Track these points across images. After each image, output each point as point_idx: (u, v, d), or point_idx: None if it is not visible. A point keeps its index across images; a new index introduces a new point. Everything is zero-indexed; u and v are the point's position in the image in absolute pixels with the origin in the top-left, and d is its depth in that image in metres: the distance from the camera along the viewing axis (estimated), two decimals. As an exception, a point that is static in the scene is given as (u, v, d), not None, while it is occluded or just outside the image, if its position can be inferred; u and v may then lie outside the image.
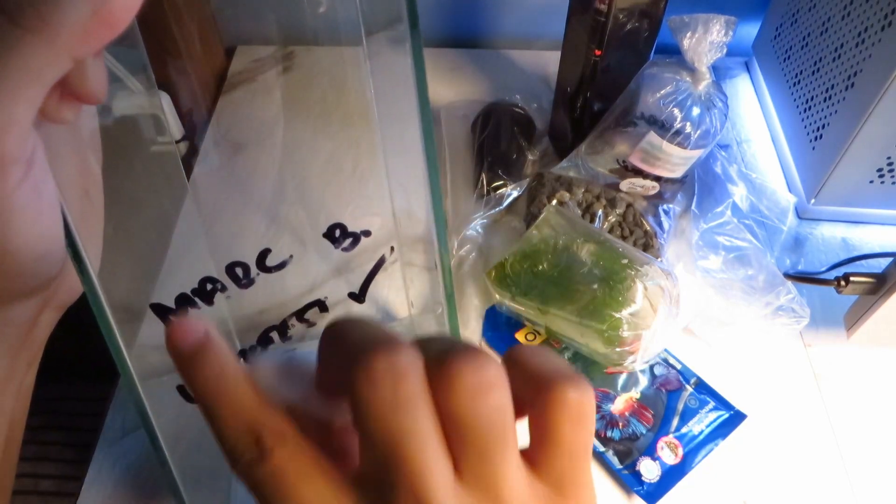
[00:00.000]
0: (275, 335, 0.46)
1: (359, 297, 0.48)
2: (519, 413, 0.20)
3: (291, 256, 0.44)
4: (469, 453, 0.19)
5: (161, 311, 0.40)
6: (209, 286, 0.41)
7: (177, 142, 0.70)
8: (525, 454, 0.21)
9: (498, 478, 0.19)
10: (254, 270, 0.43)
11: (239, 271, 0.42)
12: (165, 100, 0.68)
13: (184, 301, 0.40)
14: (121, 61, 0.33)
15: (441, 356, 0.19)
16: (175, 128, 0.70)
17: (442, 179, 0.67)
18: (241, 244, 0.44)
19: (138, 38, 0.32)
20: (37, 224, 0.25)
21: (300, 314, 0.46)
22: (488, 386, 0.19)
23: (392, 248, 0.46)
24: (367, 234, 0.44)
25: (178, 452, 0.35)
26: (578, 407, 0.20)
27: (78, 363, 0.90)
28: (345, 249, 0.44)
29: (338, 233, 0.43)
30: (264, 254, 0.43)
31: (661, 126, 0.57)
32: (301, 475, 0.19)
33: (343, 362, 0.19)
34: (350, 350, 0.19)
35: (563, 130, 0.67)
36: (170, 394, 0.38)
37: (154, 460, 0.36)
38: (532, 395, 0.20)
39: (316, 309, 0.47)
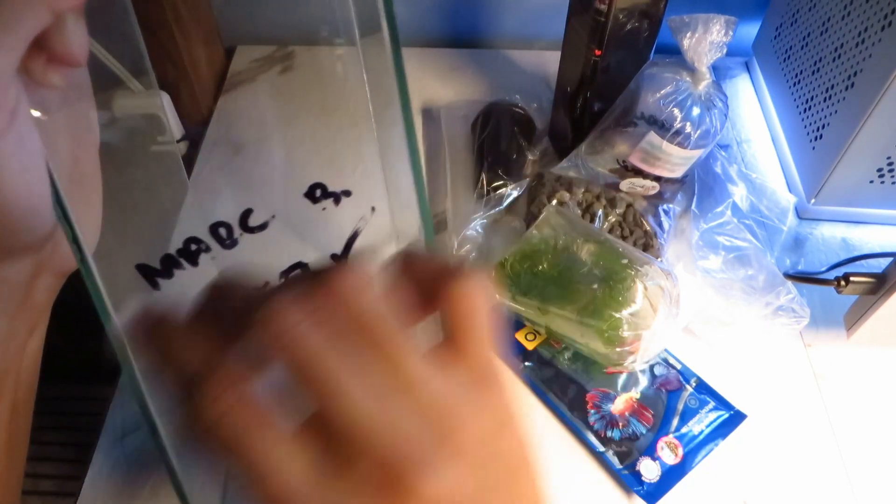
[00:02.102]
0: None
1: (341, 258, 0.48)
2: (423, 314, 0.22)
3: (273, 216, 0.44)
4: (381, 357, 0.19)
5: (147, 271, 0.40)
6: (193, 246, 0.41)
7: (177, 141, 0.70)
8: (436, 354, 0.21)
9: (421, 375, 0.20)
10: (237, 230, 0.43)
11: (223, 231, 0.42)
12: (165, 100, 0.68)
13: (169, 261, 0.40)
14: (121, 62, 0.33)
15: (316, 278, 0.20)
16: (175, 128, 0.70)
17: (442, 179, 0.67)
18: (224, 205, 0.44)
19: (139, 38, 0.32)
20: (23, 176, 0.25)
21: (284, 275, 0.46)
22: (363, 284, 0.20)
23: (373, 209, 0.46)
24: (347, 193, 0.44)
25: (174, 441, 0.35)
26: (474, 295, 0.21)
27: (78, 363, 0.90)
28: (325, 209, 0.44)
29: (318, 192, 0.43)
30: (246, 213, 0.43)
31: (661, 126, 0.57)
32: (253, 421, 0.19)
33: (239, 311, 0.20)
34: (247, 299, 0.20)
35: (563, 130, 0.67)
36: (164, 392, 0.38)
37: (154, 459, 0.36)
38: (432, 293, 0.21)
39: (299, 271, 0.47)
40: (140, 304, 0.22)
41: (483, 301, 0.21)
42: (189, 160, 0.67)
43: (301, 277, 0.21)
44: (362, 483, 0.19)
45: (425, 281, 0.22)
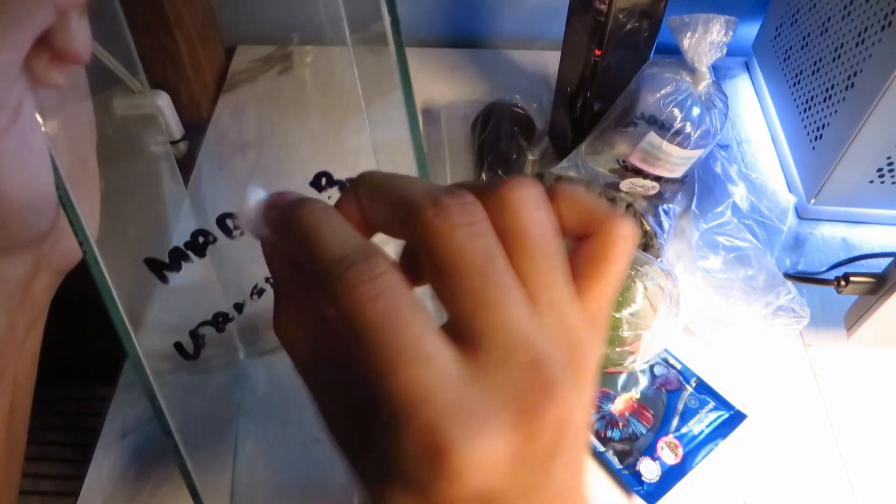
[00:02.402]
0: (267, 286, 0.47)
1: None
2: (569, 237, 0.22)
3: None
4: (537, 274, 0.19)
5: (155, 265, 0.40)
6: (201, 239, 0.41)
7: (176, 142, 0.70)
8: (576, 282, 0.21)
9: (566, 301, 0.20)
10: None
11: (229, 223, 0.42)
12: (165, 100, 0.68)
13: (176, 254, 0.41)
14: (121, 62, 0.33)
15: (492, 186, 0.20)
16: (175, 128, 0.70)
17: (442, 179, 0.67)
18: (231, 197, 0.44)
19: (139, 39, 0.32)
20: (25, 172, 0.25)
21: None
22: (540, 199, 0.20)
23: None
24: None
25: (183, 434, 0.35)
26: (630, 241, 0.21)
27: (78, 363, 0.90)
28: (330, 197, 0.44)
29: (324, 181, 0.43)
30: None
31: (661, 126, 0.57)
32: (410, 304, 0.18)
33: (398, 209, 0.20)
34: (408, 197, 0.19)
35: (563, 130, 0.67)
36: (172, 385, 0.38)
37: (153, 458, 0.37)
38: (584, 227, 0.21)
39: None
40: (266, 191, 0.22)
41: (629, 248, 0.21)
42: (189, 160, 0.67)
43: (473, 185, 0.20)
44: (508, 384, 0.18)
45: (582, 213, 0.21)
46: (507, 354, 0.18)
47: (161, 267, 0.40)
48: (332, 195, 0.44)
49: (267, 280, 0.47)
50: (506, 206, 0.19)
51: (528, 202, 0.20)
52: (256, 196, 0.22)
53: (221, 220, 0.42)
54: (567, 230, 0.21)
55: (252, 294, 0.47)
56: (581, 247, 0.21)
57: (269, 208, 0.22)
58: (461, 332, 0.19)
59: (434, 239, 0.19)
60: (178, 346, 0.44)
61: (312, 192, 0.44)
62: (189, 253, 0.41)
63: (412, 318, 0.18)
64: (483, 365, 0.18)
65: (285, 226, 0.21)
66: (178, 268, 0.40)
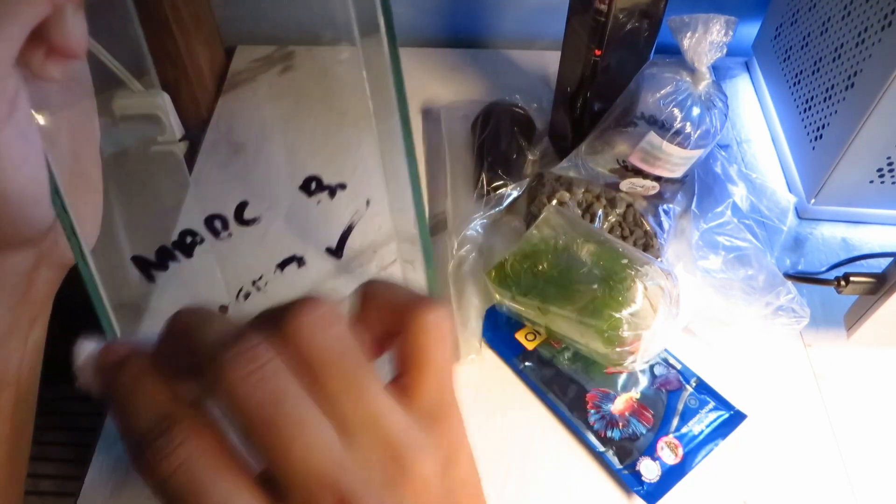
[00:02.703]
0: (253, 289, 0.47)
1: (336, 252, 0.48)
2: (383, 348, 0.22)
3: (268, 209, 0.44)
4: (336, 395, 0.19)
5: (142, 263, 0.40)
6: (189, 239, 0.41)
7: (177, 141, 0.70)
8: (393, 387, 0.21)
9: (375, 413, 0.19)
10: (232, 223, 0.42)
11: (217, 224, 0.42)
12: (165, 100, 0.68)
13: (163, 253, 0.40)
14: (122, 62, 0.33)
15: (275, 317, 0.19)
16: (175, 128, 0.70)
17: (442, 179, 0.67)
18: (221, 199, 0.44)
19: (140, 39, 0.32)
20: (24, 166, 0.25)
21: (280, 268, 0.46)
22: (324, 320, 0.19)
23: (368, 202, 0.46)
24: (342, 186, 0.44)
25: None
26: (439, 325, 0.21)
27: (78, 363, 0.90)
28: (319, 202, 0.44)
29: (313, 185, 0.43)
30: (242, 206, 0.43)
31: (661, 126, 0.57)
32: (210, 471, 0.18)
33: (193, 359, 0.19)
34: (198, 346, 0.19)
35: (563, 130, 0.67)
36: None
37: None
38: (393, 324, 0.21)
39: (294, 264, 0.47)
40: (99, 344, 0.22)
41: (441, 334, 0.21)
42: (189, 160, 0.67)
43: (264, 315, 0.20)
44: None
45: (387, 312, 0.21)
46: (314, 500, 0.18)
47: (148, 266, 0.40)
48: (321, 199, 0.44)
49: (253, 283, 0.47)
50: (289, 339, 0.19)
51: (311, 327, 0.19)
52: (87, 349, 0.22)
53: (209, 221, 0.42)
54: (378, 332, 0.21)
55: (238, 296, 0.47)
56: (397, 345, 0.21)
57: (96, 369, 0.21)
58: (269, 480, 0.18)
59: (223, 399, 0.18)
60: None
61: (302, 197, 0.43)
62: (176, 252, 0.41)
63: (212, 485, 0.18)
64: None
65: (106, 394, 0.20)
66: (164, 267, 0.40)
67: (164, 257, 0.40)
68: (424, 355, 0.21)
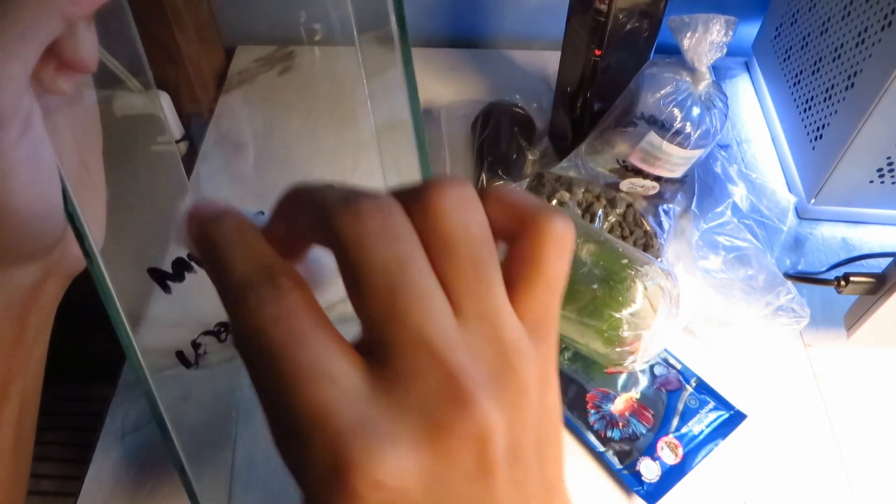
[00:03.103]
0: None
1: None
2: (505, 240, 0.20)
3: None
4: (464, 280, 0.18)
5: (158, 275, 0.40)
6: None
7: (177, 142, 0.70)
8: (511, 286, 0.20)
9: (496, 310, 0.18)
10: None
11: None
12: (165, 100, 0.68)
13: (180, 265, 0.41)
14: (121, 62, 0.33)
15: (417, 189, 0.19)
16: (175, 128, 0.70)
17: (442, 179, 0.67)
18: (232, 200, 0.44)
19: (136, 38, 0.32)
20: (36, 183, 0.25)
21: None
22: (469, 200, 0.19)
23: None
24: None
25: (182, 434, 0.35)
26: (564, 237, 0.20)
27: (78, 363, 0.90)
28: None
29: None
30: (258, 216, 0.43)
31: (661, 126, 0.57)
32: (314, 322, 0.18)
33: (318, 212, 0.18)
34: (325, 202, 0.18)
35: (563, 130, 0.67)
36: (172, 384, 0.38)
37: (153, 458, 0.36)
38: (515, 228, 0.20)
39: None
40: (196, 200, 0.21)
41: (564, 246, 0.20)
42: (189, 160, 0.67)
43: (402, 189, 0.19)
44: (417, 399, 0.17)
45: (511, 213, 0.20)
46: (417, 368, 0.17)
47: (164, 277, 0.40)
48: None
49: None
50: (429, 210, 0.18)
51: (454, 205, 0.18)
52: (187, 206, 0.21)
53: None
54: (499, 232, 0.20)
55: None
56: (512, 249, 0.20)
57: (190, 222, 0.20)
58: (371, 345, 0.18)
59: (343, 245, 0.17)
60: (180, 355, 0.44)
61: None
62: (192, 263, 0.41)
63: (312, 337, 0.17)
64: (391, 380, 0.17)
65: (201, 243, 0.20)
66: (181, 278, 0.40)
67: (179, 268, 0.41)
68: (543, 264, 0.20)
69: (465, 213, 0.18)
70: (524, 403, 0.19)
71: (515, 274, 0.20)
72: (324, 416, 0.17)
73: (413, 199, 0.18)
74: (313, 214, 0.19)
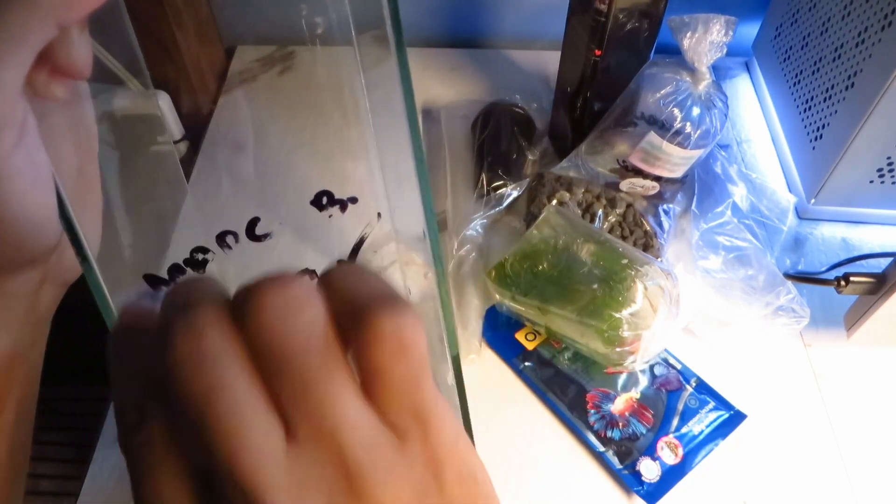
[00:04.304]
0: None
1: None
2: (347, 345, 0.18)
3: (280, 224, 0.44)
4: (292, 396, 0.16)
5: (154, 281, 0.40)
6: (200, 256, 0.41)
7: (177, 142, 0.70)
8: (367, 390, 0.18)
9: (334, 422, 0.16)
10: (243, 239, 0.43)
11: (230, 240, 0.42)
12: (165, 100, 0.68)
13: (176, 271, 0.41)
14: (121, 62, 0.33)
15: (244, 293, 0.17)
16: (175, 128, 0.70)
17: (442, 179, 0.67)
18: (231, 214, 0.44)
19: (132, 37, 0.32)
20: (32, 191, 0.25)
21: None
22: (294, 302, 0.17)
23: (379, 215, 0.46)
24: (353, 200, 0.44)
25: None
26: (397, 337, 0.17)
27: (78, 363, 0.90)
28: (331, 216, 0.44)
29: (325, 200, 0.43)
30: (253, 222, 0.43)
31: (661, 126, 0.57)
32: (164, 452, 0.17)
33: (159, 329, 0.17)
34: (163, 315, 0.17)
35: (563, 130, 0.67)
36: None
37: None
38: (348, 326, 0.17)
39: (307, 278, 0.47)
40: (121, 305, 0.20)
41: (400, 344, 0.17)
42: (189, 160, 0.67)
43: (240, 288, 0.17)
44: None
45: (345, 309, 0.18)
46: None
47: (160, 284, 0.40)
48: (332, 214, 0.44)
49: None
50: (249, 322, 0.16)
51: (276, 312, 0.16)
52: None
53: (221, 238, 0.42)
54: (343, 326, 0.18)
55: None
56: (352, 350, 0.18)
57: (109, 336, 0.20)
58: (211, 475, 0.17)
59: (164, 372, 0.16)
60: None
61: (313, 211, 0.44)
62: (187, 269, 0.41)
63: (162, 466, 0.17)
64: None
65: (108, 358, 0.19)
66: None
67: (175, 276, 0.41)
68: (379, 371, 0.17)
69: (288, 320, 0.16)
70: None
71: (361, 379, 0.18)
72: None
73: (238, 305, 0.17)
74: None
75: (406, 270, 0.55)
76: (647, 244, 0.58)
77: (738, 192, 0.64)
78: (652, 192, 0.62)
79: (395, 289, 0.18)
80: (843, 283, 0.48)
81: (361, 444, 0.16)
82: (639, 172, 0.61)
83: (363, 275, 0.19)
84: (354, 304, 0.17)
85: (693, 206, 0.62)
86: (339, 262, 0.19)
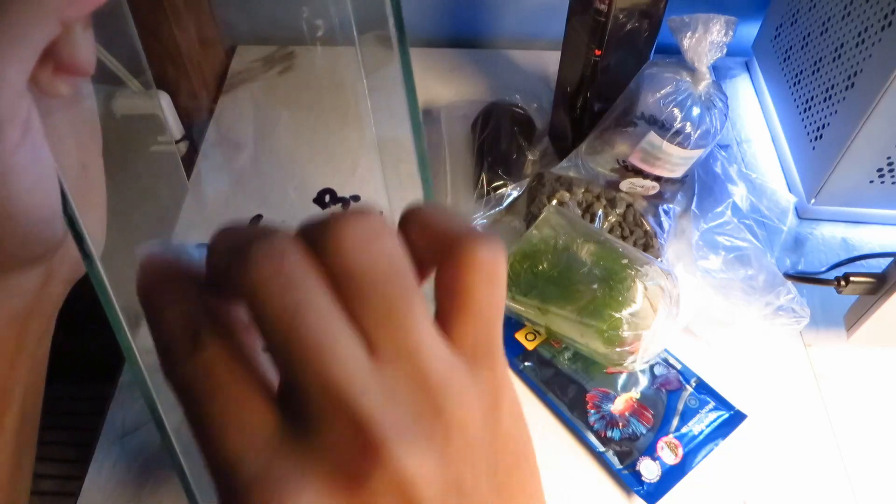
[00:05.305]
0: None
1: None
2: (421, 276, 0.19)
3: (283, 222, 0.44)
4: (375, 317, 0.17)
5: None
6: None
7: (177, 142, 0.70)
8: (435, 322, 0.19)
9: (415, 343, 0.17)
10: None
11: None
12: (165, 100, 0.68)
13: None
14: (121, 62, 0.33)
15: (320, 226, 0.18)
16: (175, 128, 0.70)
17: (442, 179, 0.67)
18: (233, 213, 0.44)
19: (135, 37, 0.32)
20: (37, 188, 0.25)
21: None
22: (373, 232, 0.17)
23: (381, 213, 0.46)
24: (355, 198, 0.44)
25: (181, 435, 0.35)
26: (492, 266, 0.18)
27: (78, 363, 0.90)
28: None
29: (327, 198, 0.44)
30: (255, 220, 0.43)
31: (661, 126, 0.57)
32: (228, 375, 0.17)
33: (226, 259, 0.18)
34: (232, 246, 0.18)
35: (563, 130, 0.67)
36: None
37: (153, 458, 0.36)
38: (439, 256, 0.19)
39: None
40: (145, 250, 0.21)
41: (491, 273, 0.18)
42: (189, 160, 0.67)
43: (308, 222, 0.18)
44: (326, 449, 0.16)
45: (433, 240, 0.19)
46: (324, 417, 0.16)
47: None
48: (335, 211, 0.44)
49: None
50: (330, 247, 0.17)
51: (358, 239, 0.17)
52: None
53: None
54: (423, 259, 0.19)
55: None
56: (438, 278, 0.19)
57: (138, 278, 0.20)
58: (286, 394, 0.18)
59: (244, 297, 0.17)
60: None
61: (315, 210, 0.44)
62: None
63: (226, 389, 0.17)
64: (302, 431, 0.17)
65: (142, 300, 0.20)
66: None
67: None
68: (471, 294, 0.18)
69: (370, 247, 0.17)
70: (460, 441, 0.18)
71: (444, 304, 0.19)
72: (230, 466, 0.17)
73: (316, 236, 0.17)
74: (224, 266, 0.18)
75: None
76: (647, 244, 0.58)
77: (738, 192, 0.64)
78: (652, 192, 0.62)
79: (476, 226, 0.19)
80: (843, 283, 0.48)
81: (440, 365, 0.17)
82: (639, 172, 0.61)
83: (449, 211, 0.20)
84: (448, 234, 0.19)
85: (693, 206, 0.62)
86: (418, 202, 0.20)
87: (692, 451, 0.49)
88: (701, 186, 0.64)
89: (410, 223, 0.19)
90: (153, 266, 0.20)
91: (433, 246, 0.19)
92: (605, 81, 0.61)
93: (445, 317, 0.19)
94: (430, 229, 0.19)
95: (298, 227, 0.18)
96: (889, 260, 0.47)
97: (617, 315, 0.48)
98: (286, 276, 0.16)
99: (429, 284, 0.20)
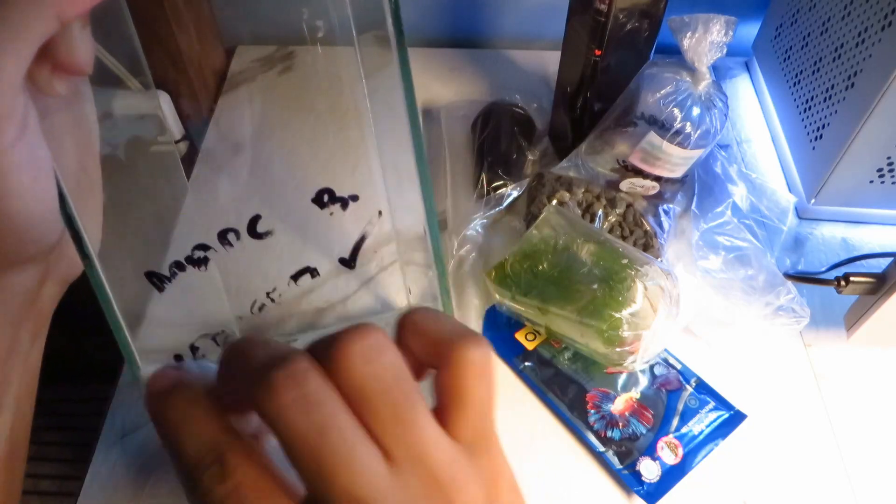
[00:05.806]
0: (268, 301, 0.47)
1: (349, 262, 0.48)
2: (420, 376, 0.22)
3: (281, 222, 0.44)
4: (384, 423, 0.19)
5: (156, 278, 0.40)
6: (202, 254, 0.41)
7: (177, 142, 0.70)
8: (436, 417, 0.21)
9: (425, 443, 0.19)
10: (245, 236, 0.43)
11: (231, 237, 0.42)
12: (165, 100, 0.68)
13: (177, 268, 0.41)
14: (121, 62, 0.33)
15: (327, 345, 0.19)
16: (175, 128, 0.70)
17: (442, 179, 0.67)
18: (232, 212, 0.44)
19: (135, 38, 0.32)
20: (34, 186, 0.25)
21: (293, 280, 0.47)
22: (376, 348, 0.19)
23: (380, 213, 0.46)
24: (354, 198, 0.45)
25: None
26: (482, 365, 0.21)
27: (78, 363, 0.90)
28: (332, 214, 0.44)
29: (326, 197, 0.44)
30: (255, 220, 0.43)
31: (661, 126, 0.57)
32: (257, 494, 0.19)
33: (244, 382, 0.19)
34: (249, 369, 0.19)
35: (563, 130, 0.67)
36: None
37: (153, 458, 0.36)
38: (434, 359, 0.21)
39: (308, 276, 0.47)
40: (157, 368, 0.22)
41: (483, 371, 0.21)
42: (189, 160, 0.67)
43: (316, 343, 0.20)
44: None
45: (429, 344, 0.22)
46: None
47: (162, 280, 0.40)
48: (333, 212, 0.44)
49: (267, 295, 0.47)
50: (339, 367, 0.19)
51: (362, 356, 0.19)
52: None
53: (223, 235, 0.42)
54: (422, 362, 0.22)
55: (252, 308, 0.47)
56: (437, 379, 0.21)
57: (147, 398, 0.22)
58: (311, 501, 0.19)
59: (268, 420, 0.18)
60: (178, 358, 0.44)
61: (314, 209, 0.44)
62: (189, 268, 0.41)
63: None
64: None
65: (156, 421, 0.21)
66: (174, 278, 0.41)
67: (176, 273, 0.41)
68: (466, 392, 0.21)
69: (375, 361, 0.19)
70: None
71: (443, 402, 0.21)
72: None
73: (325, 357, 0.19)
74: (242, 387, 0.20)
75: (406, 270, 0.55)
76: (647, 244, 0.58)
77: (738, 192, 0.64)
78: (652, 192, 0.62)
79: (466, 326, 0.22)
80: (843, 283, 0.48)
81: (445, 457, 0.20)
82: (639, 172, 0.61)
83: (440, 315, 0.22)
84: (441, 339, 0.21)
85: (693, 206, 0.62)
86: (413, 308, 0.22)
87: (692, 451, 0.49)
88: (701, 186, 0.64)
89: (407, 331, 0.22)
90: (162, 381, 0.21)
91: (428, 349, 0.21)
92: (605, 81, 0.61)
93: (445, 412, 0.21)
94: (425, 336, 0.22)
95: (307, 347, 0.20)
96: (889, 260, 0.47)
97: (617, 315, 0.48)
98: (309, 400, 0.18)
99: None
